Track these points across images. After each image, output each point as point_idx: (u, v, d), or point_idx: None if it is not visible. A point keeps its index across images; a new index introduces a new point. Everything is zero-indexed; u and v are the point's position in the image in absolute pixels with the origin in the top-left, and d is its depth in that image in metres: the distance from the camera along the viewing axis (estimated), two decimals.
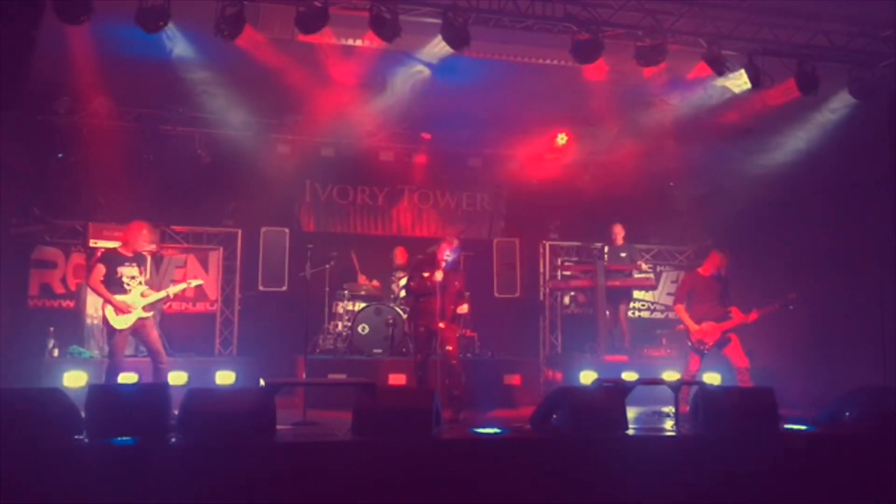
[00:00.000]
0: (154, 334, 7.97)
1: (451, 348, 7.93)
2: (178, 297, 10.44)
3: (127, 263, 7.92)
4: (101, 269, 7.80)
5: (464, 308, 8.24)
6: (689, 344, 8.73)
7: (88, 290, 9.95)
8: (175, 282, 9.31)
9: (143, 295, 7.91)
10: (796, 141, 10.57)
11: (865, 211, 9.83)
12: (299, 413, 7.43)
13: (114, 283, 7.80)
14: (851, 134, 9.79)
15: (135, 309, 7.82)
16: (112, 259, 7.92)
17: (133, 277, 7.91)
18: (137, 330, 7.87)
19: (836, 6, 8.62)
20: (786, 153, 10.70)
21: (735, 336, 8.63)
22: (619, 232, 11.08)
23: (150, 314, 7.97)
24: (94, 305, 9.94)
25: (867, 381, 7.85)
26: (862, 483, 6.34)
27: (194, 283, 9.03)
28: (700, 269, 9.05)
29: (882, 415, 6.84)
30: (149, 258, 9.89)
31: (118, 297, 7.76)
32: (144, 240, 8.07)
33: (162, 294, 8.16)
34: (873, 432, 6.72)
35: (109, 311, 7.77)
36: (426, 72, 9.36)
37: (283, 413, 6.57)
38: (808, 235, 10.68)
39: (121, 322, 7.76)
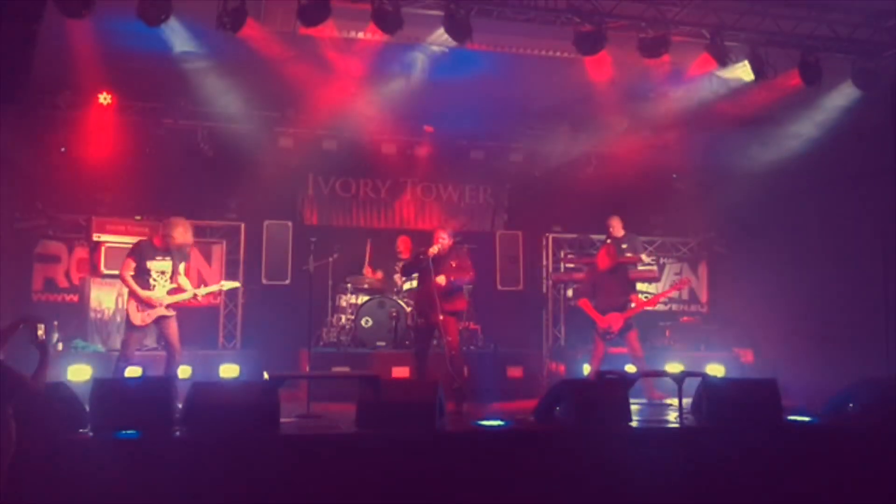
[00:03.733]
0: (174, 328, 7.83)
1: (450, 339, 7.96)
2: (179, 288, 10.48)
3: (158, 257, 7.79)
4: (130, 264, 7.70)
5: (440, 279, 8.06)
6: (597, 332, 8.99)
7: (93, 284, 9.99)
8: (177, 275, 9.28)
9: (169, 293, 7.81)
10: (799, 132, 10.54)
11: (870, 202, 9.81)
12: (303, 406, 7.43)
13: (140, 276, 7.69)
14: (855, 124, 9.76)
15: (159, 307, 7.71)
16: (143, 251, 7.79)
17: (162, 273, 7.79)
18: (158, 322, 7.78)
19: None
20: (789, 144, 10.68)
21: (633, 324, 9.00)
22: (616, 224, 11.05)
23: (173, 313, 7.82)
24: (97, 299, 9.97)
25: (871, 372, 7.85)
26: (865, 474, 6.34)
27: (228, 285, 8.82)
28: (598, 263, 9.32)
29: (886, 406, 6.84)
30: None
31: (144, 293, 7.66)
32: (181, 237, 7.87)
33: (189, 294, 7.99)
34: (877, 424, 6.72)
35: (132, 306, 7.68)
36: (444, 49, 9.19)
37: (287, 406, 6.59)
38: (812, 226, 10.68)
39: (140, 319, 7.68)
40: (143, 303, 7.67)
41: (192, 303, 10.42)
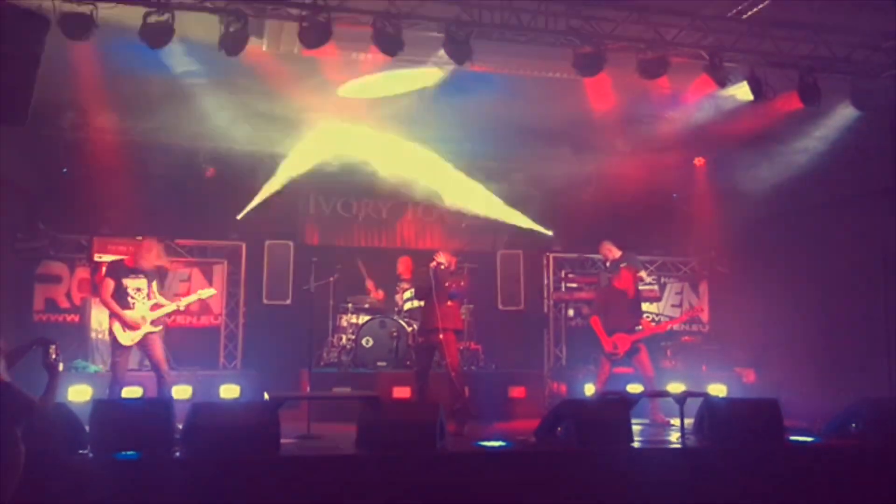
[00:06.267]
0: (159, 347, 7.91)
1: (449, 361, 7.94)
2: (183, 310, 10.49)
3: (132, 275, 7.87)
4: (110, 284, 7.78)
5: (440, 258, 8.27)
6: (603, 352, 9.01)
7: (93, 304, 9.98)
8: (179, 296, 9.26)
9: (151, 309, 7.86)
10: (801, 152, 10.56)
11: (871, 222, 9.82)
12: (303, 426, 7.41)
13: (119, 296, 7.76)
14: (855, 145, 9.79)
15: (144, 324, 7.77)
16: (118, 271, 7.89)
17: (139, 290, 7.85)
18: (143, 343, 7.83)
19: (838, 17, 8.63)
20: (790, 161, 10.69)
21: (643, 346, 9.02)
22: (608, 248, 11.01)
23: (158, 328, 7.92)
24: (98, 319, 9.96)
25: (873, 392, 7.84)
26: (867, 494, 6.32)
27: (205, 293, 8.86)
28: (615, 283, 9.37)
29: (888, 426, 6.82)
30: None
31: (127, 313, 7.72)
32: (154, 259, 8.04)
33: (172, 307, 8.08)
34: (879, 444, 6.70)
35: (117, 326, 7.71)
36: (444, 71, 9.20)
37: (288, 426, 6.58)
38: (814, 246, 10.68)
39: (128, 338, 7.72)
40: (127, 324, 7.71)
41: (192, 323, 10.44)
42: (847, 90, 9.30)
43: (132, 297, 7.81)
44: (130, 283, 7.84)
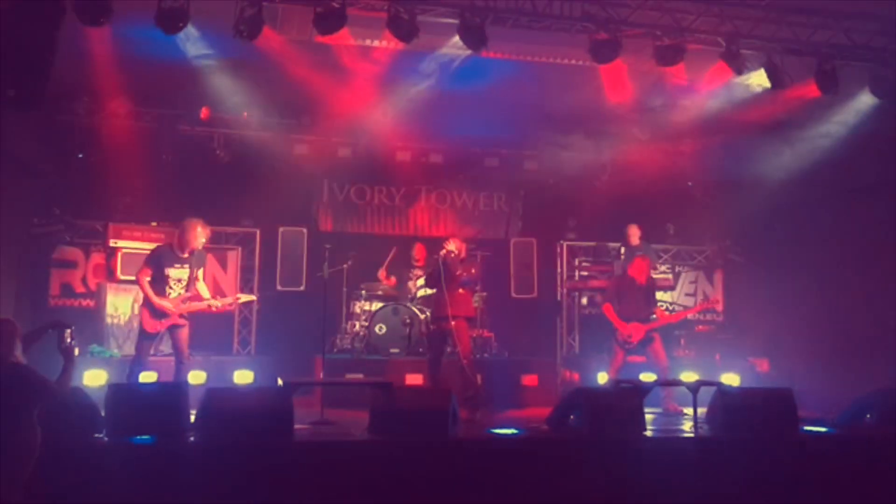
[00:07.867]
0: (185, 334, 7.78)
1: (461, 348, 7.95)
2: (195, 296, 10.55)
3: (178, 265, 7.73)
4: (148, 271, 7.63)
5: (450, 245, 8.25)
6: (616, 341, 8.95)
7: (109, 289, 10.04)
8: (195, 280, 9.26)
9: (184, 301, 7.75)
10: (817, 141, 10.48)
11: (888, 211, 9.74)
12: (317, 412, 7.44)
13: (157, 283, 7.63)
14: (874, 133, 9.69)
15: (172, 315, 7.65)
16: (164, 257, 7.70)
17: (179, 280, 7.75)
18: (170, 329, 7.73)
19: (856, 4, 8.55)
20: (807, 153, 10.61)
21: (658, 336, 8.94)
22: (634, 232, 11.02)
23: (186, 322, 7.76)
24: (113, 305, 10.02)
25: (888, 383, 7.79)
26: (881, 485, 6.29)
27: (244, 298, 8.71)
28: (630, 272, 9.28)
29: None
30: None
31: (159, 300, 7.57)
32: (201, 237, 7.81)
33: (203, 305, 7.91)
34: (893, 434, 6.67)
35: (146, 314, 7.63)
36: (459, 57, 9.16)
37: (301, 412, 6.60)
38: (829, 235, 10.61)
39: (153, 326, 7.64)
40: (157, 310, 7.62)
41: (205, 309, 10.40)
42: (866, 78, 9.21)
43: (171, 288, 7.73)
44: (173, 274, 7.72)
